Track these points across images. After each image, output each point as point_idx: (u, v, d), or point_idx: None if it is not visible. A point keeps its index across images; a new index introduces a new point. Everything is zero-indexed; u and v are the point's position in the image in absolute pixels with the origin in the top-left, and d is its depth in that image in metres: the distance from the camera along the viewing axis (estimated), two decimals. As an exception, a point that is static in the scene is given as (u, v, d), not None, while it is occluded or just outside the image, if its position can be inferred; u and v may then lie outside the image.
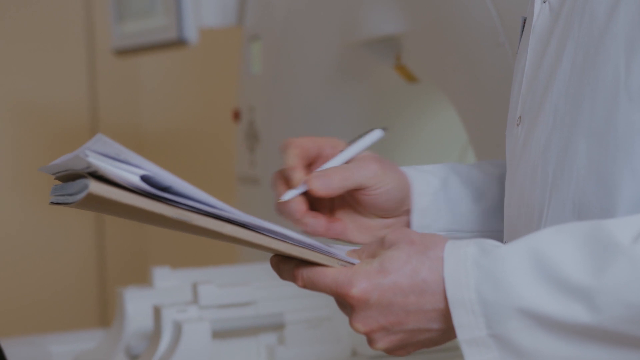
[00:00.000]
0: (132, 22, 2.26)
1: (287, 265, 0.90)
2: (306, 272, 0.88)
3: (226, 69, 2.92)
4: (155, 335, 1.44)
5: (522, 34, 1.02)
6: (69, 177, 0.84)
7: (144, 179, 0.81)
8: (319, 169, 0.97)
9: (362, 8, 1.69)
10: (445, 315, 0.85)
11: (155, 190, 0.81)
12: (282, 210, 0.97)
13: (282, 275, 0.92)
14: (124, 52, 2.32)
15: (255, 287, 1.49)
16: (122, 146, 0.80)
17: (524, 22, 1.02)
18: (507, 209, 0.99)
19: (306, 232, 0.99)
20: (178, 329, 1.41)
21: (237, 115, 2.15)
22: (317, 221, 0.98)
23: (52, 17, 3.11)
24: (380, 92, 1.81)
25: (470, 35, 1.42)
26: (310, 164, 0.99)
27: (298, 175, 0.96)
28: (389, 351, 0.89)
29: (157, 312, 1.44)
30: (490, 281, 0.83)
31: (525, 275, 0.82)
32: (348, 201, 1.01)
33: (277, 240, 0.87)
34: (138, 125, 3.22)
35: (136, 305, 1.57)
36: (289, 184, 0.97)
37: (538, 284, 0.81)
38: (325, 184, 0.95)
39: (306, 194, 0.97)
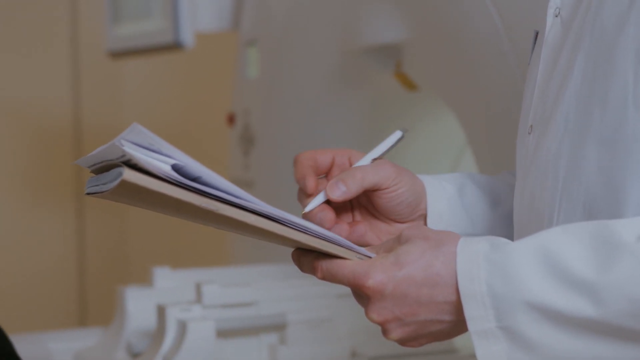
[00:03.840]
0: (128, 24, 2.28)
1: (307, 258, 0.94)
2: (325, 264, 0.92)
3: (216, 73, 2.93)
4: (158, 333, 1.47)
5: (534, 46, 1.06)
6: (103, 169, 0.87)
7: (175, 168, 0.84)
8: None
9: (362, 15, 1.71)
10: (457, 308, 0.88)
11: (185, 179, 0.84)
12: (311, 221, 1.01)
13: (303, 267, 0.95)
14: (118, 54, 2.34)
15: (258, 287, 1.51)
16: (156, 136, 0.83)
17: (536, 35, 1.05)
18: (517, 216, 1.02)
19: None
20: (182, 327, 1.43)
21: (231, 119, 2.17)
22: (341, 227, 1.02)
23: (37, 16, 3.11)
24: (378, 99, 1.83)
25: (474, 44, 1.45)
26: (326, 174, 1.03)
27: (310, 183, 1.00)
28: (402, 342, 0.92)
29: (161, 311, 1.47)
30: (500, 275, 0.86)
31: (533, 270, 0.86)
32: (366, 206, 1.05)
33: (299, 232, 0.90)
34: (121, 125, 3.22)
35: (137, 304, 1.60)
36: (307, 195, 1.01)
37: (545, 279, 0.85)
38: (341, 190, 0.99)
39: (328, 201, 1.01)
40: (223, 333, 1.47)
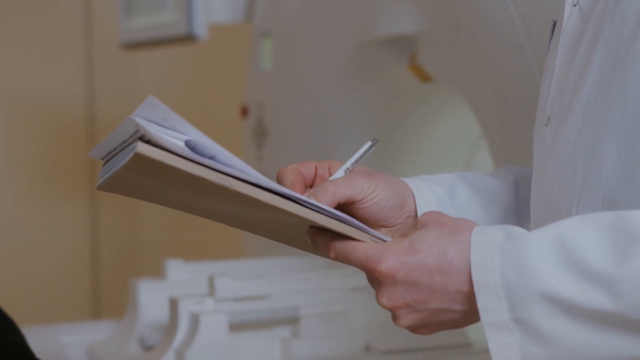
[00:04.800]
0: (141, 16, 2.27)
1: (321, 237, 0.93)
2: (339, 245, 0.91)
3: (229, 65, 2.92)
4: (171, 327, 1.46)
5: (551, 37, 1.04)
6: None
7: (189, 145, 0.83)
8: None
9: (377, 6, 1.70)
10: (469, 298, 0.87)
11: (199, 156, 0.83)
12: None
13: (317, 246, 0.94)
14: (131, 46, 2.33)
15: (271, 280, 1.50)
16: (172, 111, 0.82)
17: (554, 25, 1.04)
18: (534, 209, 1.01)
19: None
20: (195, 320, 1.42)
21: (244, 111, 2.16)
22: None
23: (50, 9, 3.11)
24: (393, 91, 1.82)
25: (490, 36, 1.43)
26: (310, 187, 1.02)
27: None
28: (412, 329, 0.91)
29: (173, 304, 1.46)
30: (515, 266, 0.85)
31: (549, 261, 0.84)
32: (352, 215, 1.03)
33: (313, 211, 0.89)
34: (135, 119, 3.21)
35: (149, 297, 1.59)
36: None
37: (561, 270, 0.84)
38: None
39: None
40: (236, 326, 1.46)
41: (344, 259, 0.91)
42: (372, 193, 1.00)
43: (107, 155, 0.86)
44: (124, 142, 0.84)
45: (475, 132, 1.78)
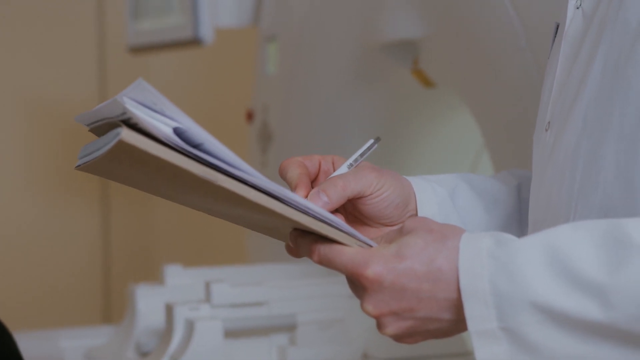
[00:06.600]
0: (148, 20, 2.26)
1: (305, 239, 0.90)
2: (323, 248, 0.88)
3: (236, 69, 2.92)
4: (166, 333, 1.45)
5: (554, 40, 1.02)
6: (102, 131, 0.83)
7: (177, 132, 0.79)
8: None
9: (381, 11, 1.69)
10: (457, 306, 0.85)
11: (186, 145, 0.80)
12: None
13: (299, 249, 0.91)
14: (138, 49, 2.32)
15: (268, 287, 1.49)
16: (161, 94, 0.79)
17: (557, 28, 1.02)
18: (533, 214, 0.99)
19: None
20: (190, 327, 1.41)
21: (250, 116, 2.15)
22: None
23: (64, 13, 3.12)
24: (397, 96, 1.81)
25: (491, 40, 1.42)
26: (313, 181, 1.00)
27: (302, 192, 0.95)
28: (398, 338, 0.88)
29: (169, 310, 1.45)
30: (505, 273, 0.82)
31: (540, 270, 0.82)
32: (352, 213, 1.01)
33: (300, 212, 0.86)
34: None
35: (147, 303, 1.58)
36: None
37: (552, 279, 0.81)
38: (323, 201, 0.94)
39: None
40: (232, 333, 1.45)
41: (328, 263, 0.88)
42: (381, 189, 0.98)
43: (92, 123, 0.84)
44: (111, 117, 0.80)
45: (480, 138, 1.76)
